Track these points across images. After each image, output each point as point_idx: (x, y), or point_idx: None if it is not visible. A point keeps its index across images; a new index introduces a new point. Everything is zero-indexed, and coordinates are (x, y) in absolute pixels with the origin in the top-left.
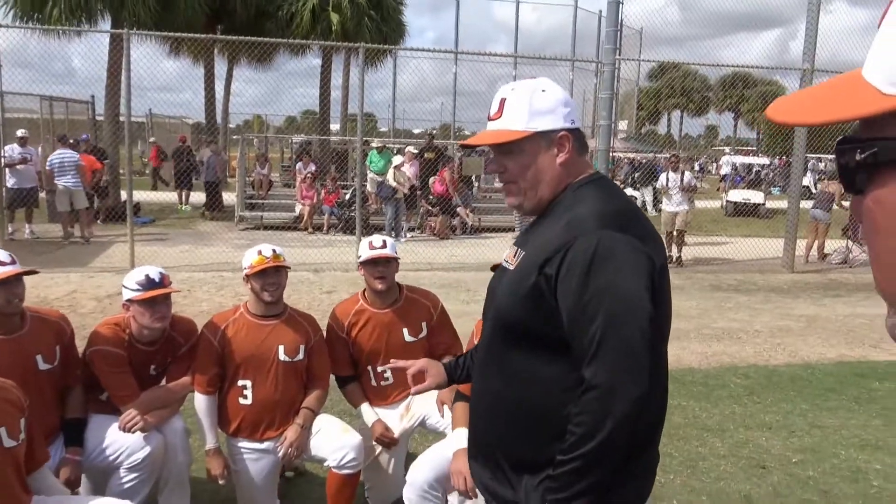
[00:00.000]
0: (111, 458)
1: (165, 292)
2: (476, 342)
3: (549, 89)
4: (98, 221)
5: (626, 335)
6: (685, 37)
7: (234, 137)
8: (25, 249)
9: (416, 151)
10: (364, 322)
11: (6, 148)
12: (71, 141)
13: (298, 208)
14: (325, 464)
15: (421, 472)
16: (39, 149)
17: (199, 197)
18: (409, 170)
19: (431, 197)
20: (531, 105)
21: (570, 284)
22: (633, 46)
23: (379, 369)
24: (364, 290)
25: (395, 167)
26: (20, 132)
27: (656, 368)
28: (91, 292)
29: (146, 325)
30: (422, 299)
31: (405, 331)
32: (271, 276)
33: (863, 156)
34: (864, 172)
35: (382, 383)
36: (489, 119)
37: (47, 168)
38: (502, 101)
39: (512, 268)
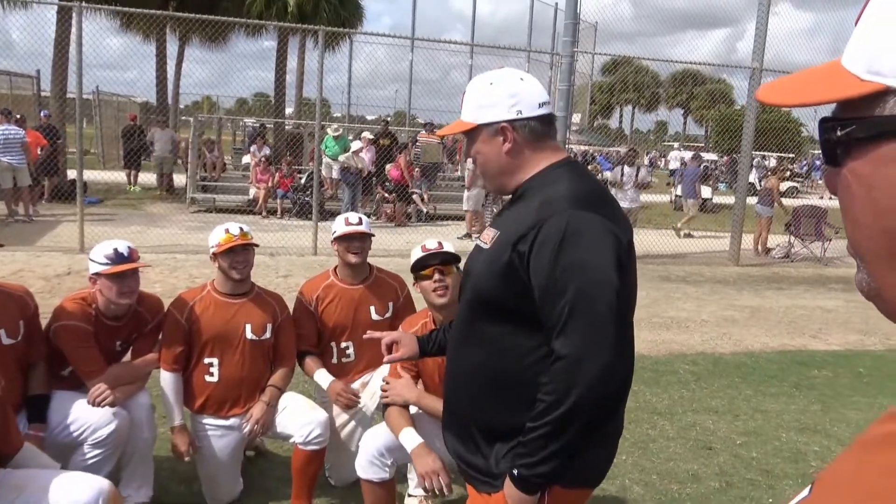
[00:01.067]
0: (75, 433)
1: (133, 267)
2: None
3: (497, 82)
4: (43, 200)
5: (593, 309)
6: (636, 33)
7: (183, 118)
8: None
9: (372, 137)
10: (333, 297)
11: None
12: (17, 117)
13: (252, 192)
14: (291, 440)
15: (372, 440)
16: None
17: (148, 178)
18: (366, 156)
19: (388, 183)
20: (477, 99)
21: (542, 261)
22: (588, 40)
23: (342, 345)
24: (335, 267)
25: (354, 152)
26: None
27: (622, 340)
28: (39, 271)
29: (113, 299)
30: (390, 280)
31: (372, 308)
32: (239, 254)
33: (843, 132)
34: (842, 147)
35: (344, 360)
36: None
37: None
38: (463, 95)
39: (487, 246)
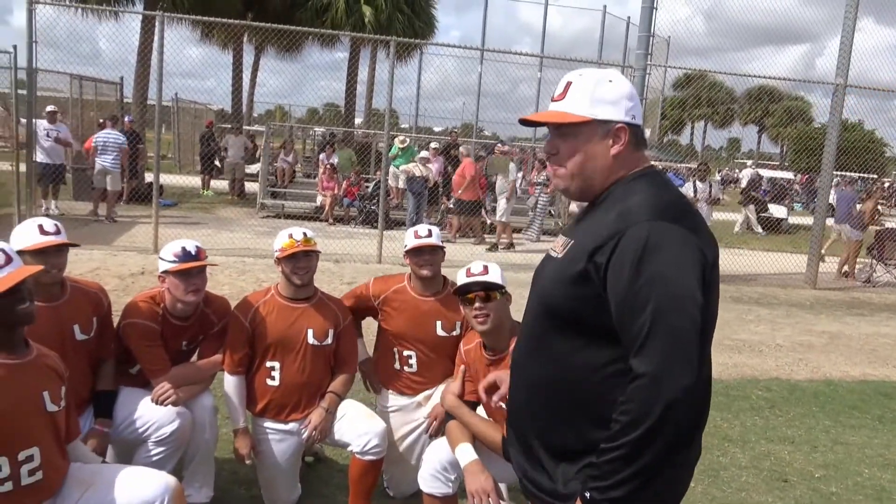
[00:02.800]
0: (139, 430)
1: (201, 265)
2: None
3: (616, 81)
4: (121, 202)
5: (675, 325)
6: (710, 48)
7: (256, 127)
8: None
9: (439, 147)
10: (402, 303)
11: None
12: (125, 120)
13: (320, 199)
14: (349, 449)
15: (436, 453)
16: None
17: (221, 182)
18: (433, 166)
19: (452, 195)
20: (595, 92)
21: (621, 273)
22: (660, 54)
23: (405, 353)
24: (410, 275)
25: (421, 159)
26: (49, 108)
27: (703, 359)
28: (114, 270)
29: (180, 297)
30: None
31: (439, 324)
32: (301, 260)
33: None
34: None
35: (406, 368)
36: (552, 100)
37: (92, 145)
38: (568, 84)
39: (559, 256)
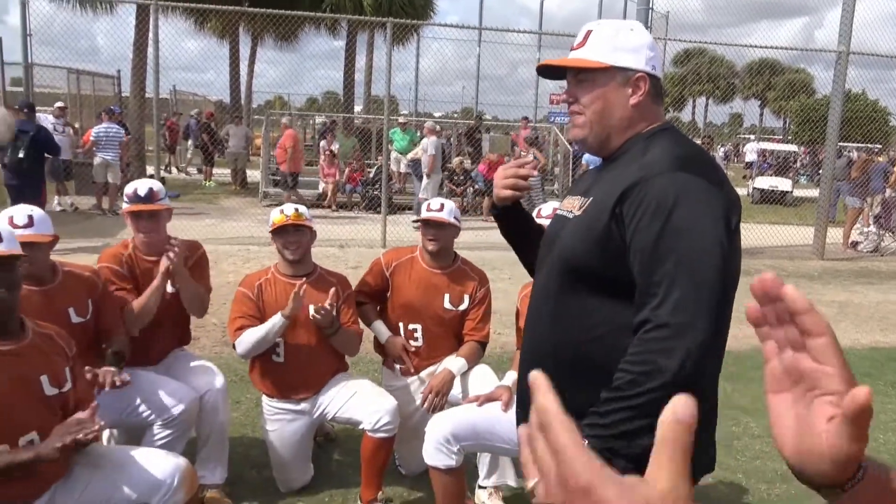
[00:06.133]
0: (144, 414)
1: (150, 209)
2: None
3: (637, 30)
4: (120, 195)
5: (700, 276)
6: (707, 24)
7: (256, 117)
8: (56, 221)
9: (435, 127)
10: (411, 274)
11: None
12: (119, 112)
13: (322, 186)
14: (360, 426)
15: (438, 426)
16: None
17: (222, 173)
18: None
19: (455, 176)
20: (616, 40)
21: (644, 224)
22: (659, 31)
23: (410, 327)
24: (421, 247)
25: (429, 131)
26: (59, 104)
27: (724, 312)
28: None
29: (136, 237)
30: (472, 273)
31: (447, 297)
32: (291, 234)
33: None
34: None
35: (411, 342)
36: (572, 49)
37: (91, 139)
38: (588, 33)
39: (577, 214)
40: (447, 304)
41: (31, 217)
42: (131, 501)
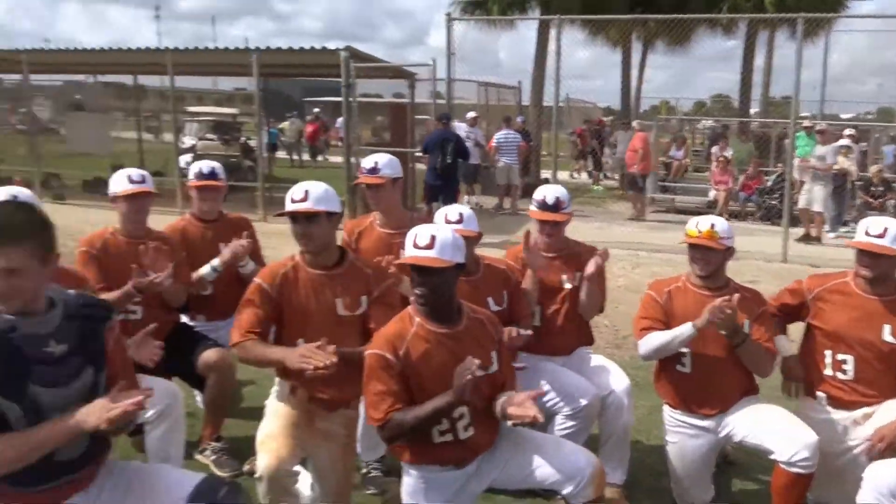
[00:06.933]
0: (549, 403)
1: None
2: None
3: None
4: (519, 195)
5: None
6: None
7: (645, 122)
8: None
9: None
10: (844, 299)
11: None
12: (518, 120)
13: (712, 193)
14: (771, 456)
15: (885, 475)
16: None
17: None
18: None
19: (873, 188)
20: None
21: None
22: None
23: (839, 357)
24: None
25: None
26: (471, 114)
27: None
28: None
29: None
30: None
31: (887, 328)
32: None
33: None
34: None
35: (839, 374)
36: None
37: (492, 145)
38: None
39: None
40: (887, 337)
41: (461, 215)
42: (545, 484)
